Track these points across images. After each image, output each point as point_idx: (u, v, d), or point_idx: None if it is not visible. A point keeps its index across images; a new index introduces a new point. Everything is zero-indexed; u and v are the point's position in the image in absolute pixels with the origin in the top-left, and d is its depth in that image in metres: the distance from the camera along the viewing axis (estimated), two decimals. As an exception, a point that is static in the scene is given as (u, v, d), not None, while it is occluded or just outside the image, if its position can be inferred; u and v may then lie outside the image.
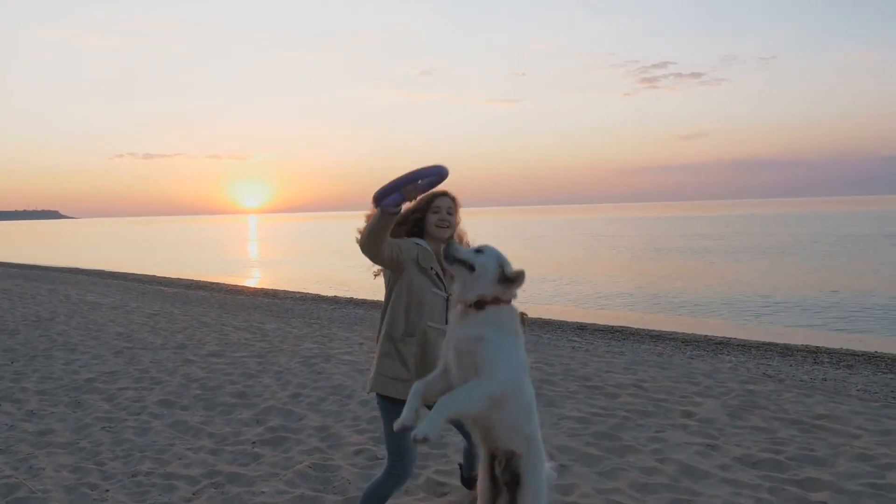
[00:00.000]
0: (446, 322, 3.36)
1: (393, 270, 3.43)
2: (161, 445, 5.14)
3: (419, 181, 3.21)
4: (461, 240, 3.65)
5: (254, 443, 5.17)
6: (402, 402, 3.03)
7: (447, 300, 3.47)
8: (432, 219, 3.51)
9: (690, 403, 6.36)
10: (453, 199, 3.57)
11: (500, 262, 2.96)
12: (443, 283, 3.49)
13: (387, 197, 3.14)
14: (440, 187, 3.43)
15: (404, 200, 3.18)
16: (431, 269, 3.45)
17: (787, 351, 11.77)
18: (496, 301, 2.93)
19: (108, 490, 4.30)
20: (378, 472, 3.52)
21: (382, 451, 4.95)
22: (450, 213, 3.52)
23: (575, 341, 11.86)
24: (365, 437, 5.23)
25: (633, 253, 36.59)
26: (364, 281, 24.68)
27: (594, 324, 15.01)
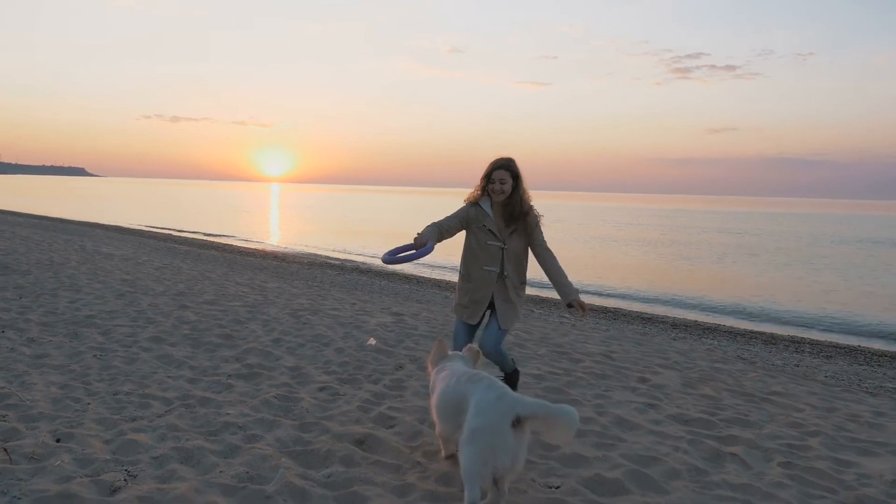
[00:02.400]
0: (502, 266, 4.59)
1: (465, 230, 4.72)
2: (144, 372, 5.57)
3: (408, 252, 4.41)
4: (521, 206, 4.59)
5: (229, 376, 5.59)
6: (462, 322, 4.73)
7: (503, 249, 4.58)
8: (490, 186, 4.58)
9: (650, 373, 6.67)
10: (508, 171, 4.54)
11: None
12: (499, 235, 4.58)
13: (395, 255, 4.41)
14: (498, 159, 4.57)
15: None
16: (484, 225, 4.61)
17: (771, 340, 12.02)
18: None
19: (89, 404, 4.73)
20: (340, 405, 4.64)
21: (344, 389, 5.35)
22: (502, 182, 4.52)
23: (565, 318, 12.17)
24: (332, 378, 5.63)
25: (647, 241, 36.66)
26: (373, 253, 25.06)
27: (588, 304, 15.31)
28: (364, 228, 40.56)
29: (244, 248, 24.95)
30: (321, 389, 5.31)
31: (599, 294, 17.17)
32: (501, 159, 4.59)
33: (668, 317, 14.20)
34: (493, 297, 4.69)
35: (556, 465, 3.99)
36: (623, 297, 17.12)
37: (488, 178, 4.59)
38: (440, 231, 4.58)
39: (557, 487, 3.67)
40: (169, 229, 32.73)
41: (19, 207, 44.26)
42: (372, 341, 6.91)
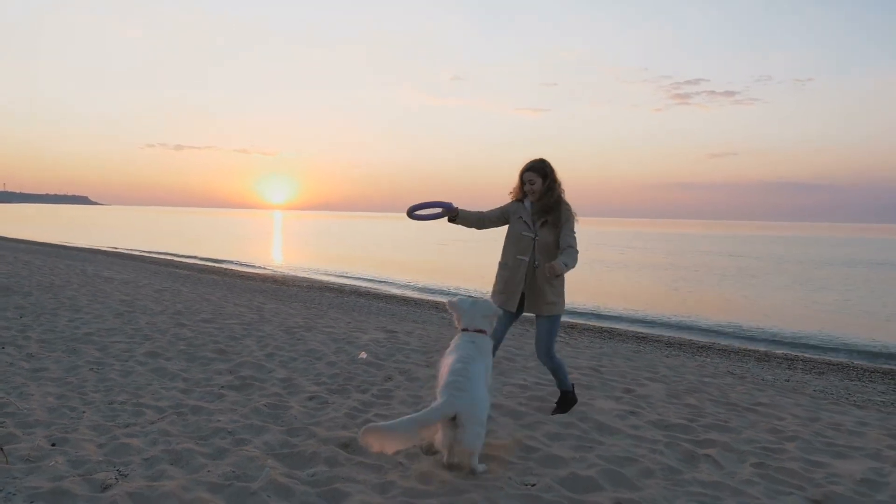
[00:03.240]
0: (532, 256, 4.96)
1: (505, 223, 5.18)
2: (139, 384, 5.72)
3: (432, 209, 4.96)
4: (553, 200, 4.97)
5: (221, 387, 5.73)
6: (500, 308, 4.88)
7: (534, 240, 4.97)
8: (524, 187, 5.04)
9: (636, 385, 6.79)
10: (535, 171, 4.97)
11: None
12: (531, 227, 4.99)
13: (420, 211, 4.93)
14: (528, 162, 5.01)
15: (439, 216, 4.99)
16: (520, 217, 5.05)
17: (765, 357, 12.12)
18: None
19: (84, 412, 4.88)
20: (329, 412, 4.92)
21: (333, 398, 5.49)
22: (531, 183, 4.97)
23: (560, 337, 12.28)
24: (322, 388, 5.77)
25: (647, 265, 36.81)
26: (371, 277, 25.21)
27: (585, 324, 15.43)
28: (365, 254, 40.76)
29: (244, 272, 25.13)
30: (310, 399, 5.45)
31: (597, 316, 17.27)
32: (530, 161, 5.03)
33: (662, 336, 14.30)
34: (524, 286, 5.05)
35: (534, 465, 4.12)
36: (620, 318, 17.21)
37: (521, 179, 5.05)
38: (480, 217, 5.14)
39: (533, 485, 3.79)
40: (171, 255, 32.96)
41: (22, 235, 44.58)
42: (363, 355, 7.06)
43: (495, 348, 4.86)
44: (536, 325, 5.15)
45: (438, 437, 3.96)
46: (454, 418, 3.77)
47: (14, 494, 3.41)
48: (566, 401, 5.37)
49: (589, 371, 7.33)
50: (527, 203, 5.09)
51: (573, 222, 5.03)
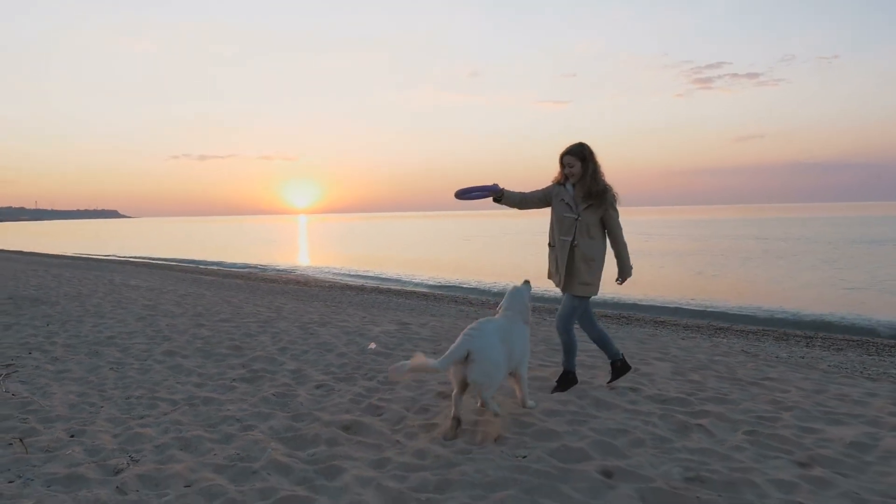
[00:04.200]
0: (574, 237, 5.14)
1: (547, 205, 5.37)
2: (156, 380, 5.96)
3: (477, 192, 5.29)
4: (596, 185, 5.11)
5: (234, 380, 5.95)
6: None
7: (577, 220, 5.13)
8: (563, 171, 5.22)
9: (643, 364, 6.87)
10: (573, 155, 5.12)
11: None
12: (574, 208, 5.14)
13: (467, 195, 5.28)
14: (570, 145, 5.16)
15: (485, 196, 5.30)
16: (563, 200, 5.21)
17: (783, 336, 12.06)
18: None
19: (102, 406, 5.13)
20: (334, 398, 5.22)
21: (339, 385, 5.68)
22: (570, 166, 5.13)
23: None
24: (329, 377, 5.96)
25: (672, 252, 36.56)
26: (395, 272, 25.43)
27: (602, 311, 15.47)
28: (387, 254, 41.03)
29: (268, 276, 25.51)
30: (318, 387, 5.65)
31: (617, 304, 17.25)
32: (570, 145, 5.19)
33: (681, 321, 14.28)
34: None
35: (528, 439, 4.25)
36: (638, 306, 17.18)
37: (561, 163, 5.22)
38: (523, 198, 5.37)
39: (524, 457, 3.93)
40: (197, 262, 33.55)
41: (54, 250, 45.66)
42: (372, 346, 7.24)
43: (590, 324, 5.43)
44: (564, 299, 5.33)
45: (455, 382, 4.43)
46: (467, 357, 4.27)
47: (32, 480, 3.64)
48: (567, 380, 5.50)
49: (595, 352, 7.41)
50: (568, 186, 5.24)
51: (617, 207, 5.21)
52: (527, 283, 5.11)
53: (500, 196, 5.31)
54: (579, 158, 5.11)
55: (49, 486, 3.58)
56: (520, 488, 3.48)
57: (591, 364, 6.62)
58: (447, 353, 4.33)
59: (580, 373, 5.98)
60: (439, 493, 3.48)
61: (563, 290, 5.30)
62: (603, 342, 5.52)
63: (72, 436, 4.42)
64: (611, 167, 5.31)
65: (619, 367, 5.59)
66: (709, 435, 4.35)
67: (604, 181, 5.17)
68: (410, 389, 5.49)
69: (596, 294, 5.31)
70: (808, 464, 3.85)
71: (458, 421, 4.38)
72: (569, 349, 5.43)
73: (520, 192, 5.40)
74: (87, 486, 3.57)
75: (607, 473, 3.68)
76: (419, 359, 4.23)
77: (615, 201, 5.19)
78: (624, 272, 5.25)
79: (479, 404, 4.70)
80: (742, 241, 45.90)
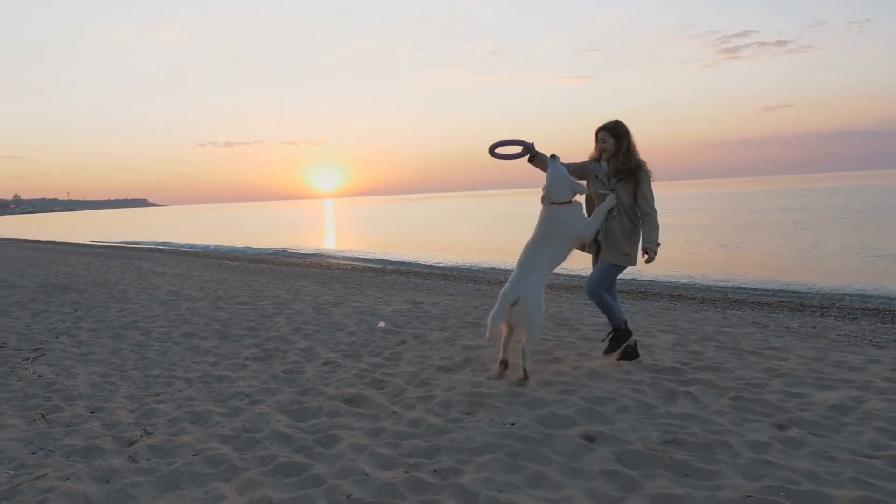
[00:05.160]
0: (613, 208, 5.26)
1: (582, 179, 5.48)
2: (173, 361, 6.27)
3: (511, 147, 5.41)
4: (629, 161, 5.25)
5: (247, 359, 6.23)
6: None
7: (612, 193, 5.27)
8: (597, 146, 5.39)
9: (647, 336, 6.99)
10: (607, 131, 5.27)
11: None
12: (606, 184, 5.31)
13: (500, 146, 5.40)
14: (605, 122, 5.31)
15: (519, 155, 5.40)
16: (596, 176, 5.38)
17: (799, 307, 12.04)
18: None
19: (122, 385, 5.44)
20: (339, 374, 5.48)
21: (346, 362, 5.92)
22: (603, 142, 5.28)
23: (588, 303, 12.46)
24: (337, 354, 6.21)
25: (698, 226, 36.29)
26: (415, 254, 25.67)
27: (619, 288, 15.51)
28: (411, 236, 41.30)
29: (290, 260, 25.93)
30: (325, 364, 5.90)
31: (637, 281, 17.29)
32: (606, 122, 5.32)
33: (697, 294, 14.30)
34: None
35: (519, 408, 4.44)
36: (655, 282, 17.18)
37: (595, 139, 5.36)
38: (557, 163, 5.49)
39: (513, 424, 4.13)
40: (224, 248, 34.15)
41: (85, 239, 46.74)
42: (382, 324, 7.48)
43: (598, 293, 5.43)
44: (597, 266, 5.42)
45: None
46: (517, 302, 4.92)
47: (53, 451, 3.94)
48: (617, 337, 5.60)
49: (602, 327, 7.54)
50: (603, 163, 5.38)
51: (650, 182, 5.29)
52: (554, 157, 5.32)
53: (533, 156, 5.36)
54: (612, 135, 5.24)
55: (68, 457, 3.87)
56: (504, 452, 3.68)
57: (594, 338, 6.77)
58: (498, 303, 4.96)
59: (580, 344, 6.15)
60: (428, 458, 3.70)
61: (601, 259, 5.37)
62: (607, 309, 5.55)
63: (92, 412, 4.72)
64: (637, 141, 5.40)
65: (622, 334, 5.63)
66: (694, 401, 4.50)
67: (637, 158, 5.28)
68: (414, 365, 5.71)
69: (634, 265, 5.41)
70: (785, 426, 3.99)
71: (505, 364, 5.10)
72: (607, 307, 5.49)
73: (557, 159, 5.45)
74: (103, 456, 3.86)
75: (590, 438, 3.87)
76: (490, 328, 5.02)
77: (648, 177, 5.28)
78: (646, 247, 5.26)
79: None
80: (769, 213, 45.35)
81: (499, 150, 5.43)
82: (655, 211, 5.31)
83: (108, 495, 3.37)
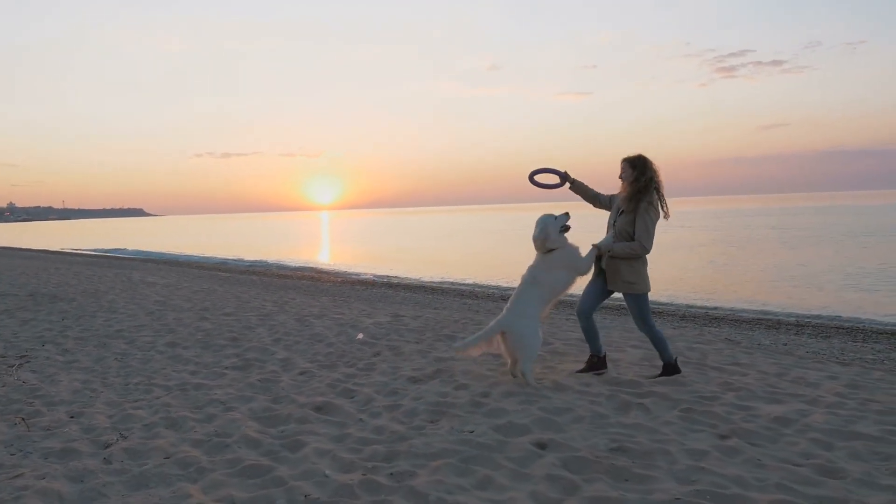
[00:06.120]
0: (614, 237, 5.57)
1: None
2: (154, 369, 6.47)
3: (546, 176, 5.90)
4: (638, 191, 5.45)
5: (226, 368, 6.44)
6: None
7: (614, 225, 5.58)
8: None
9: (617, 351, 7.20)
10: (627, 162, 5.52)
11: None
12: (615, 214, 5.61)
13: (539, 173, 5.87)
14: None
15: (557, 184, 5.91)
16: (615, 205, 5.68)
17: (775, 325, 12.28)
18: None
19: (102, 392, 5.64)
20: (313, 383, 5.71)
21: (322, 372, 6.13)
22: (623, 171, 5.53)
23: (571, 316, 12.68)
24: (314, 365, 6.43)
25: (688, 244, 36.60)
26: (406, 267, 25.83)
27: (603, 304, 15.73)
28: (407, 250, 41.54)
29: (282, 272, 26.12)
30: (301, 373, 6.11)
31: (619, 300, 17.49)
32: (630, 155, 5.57)
33: (679, 311, 14.55)
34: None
35: (480, 417, 4.66)
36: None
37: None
38: (595, 195, 5.92)
39: (471, 432, 4.35)
40: (217, 259, 34.31)
41: (79, 248, 46.83)
42: (360, 336, 7.69)
43: (587, 316, 5.78)
44: (627, 303, 5.74)
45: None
46: (504, 333, 5.41)
47: (31, 453, 4.15)
48: (668, 373, 5.79)
49: (575, 342, 7.77)
50: (617, 194, 5.71)
51: (651, 217, 5.42)
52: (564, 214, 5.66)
53: (571, 182, 5.84)
54: (630, 165, 5.48)
55: (46, 458, 4.08)
56: (458, 458, 3.90)
57: (564, 352, 6.99)
58: (487, 328, 5.61)
59: (549, 358, 6.37)
60: (386, 462, 3.91)
61: (610, 285, 5.65)
62: (657, 343, 5.80)
63: (71, 417, 4.92)
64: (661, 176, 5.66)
65: (671, 370, 5.79)
66: (646, 412, 4.73)
67: (651, 194, 5.42)
68: (385, 375, 5.93)
69: (646, 291, 5.62)
70: (727, 436, 4.22)
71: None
72: (656, 344, 5.77)
73: (593, 189, 5.93)
74: (79, 457, 4.07)
75: (541, 445, 4.09)
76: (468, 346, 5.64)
77: (650, 214, 5.40)
78: (606, 245, 5.50)
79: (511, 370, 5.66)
80: (760, 230, 45.75)
81: (538, 178, 5.89)
82: (645, 247, 5.44)
83: (81, 493, 3.57)
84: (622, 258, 5.50)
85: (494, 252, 35.67)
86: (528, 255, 5.88)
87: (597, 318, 6.49)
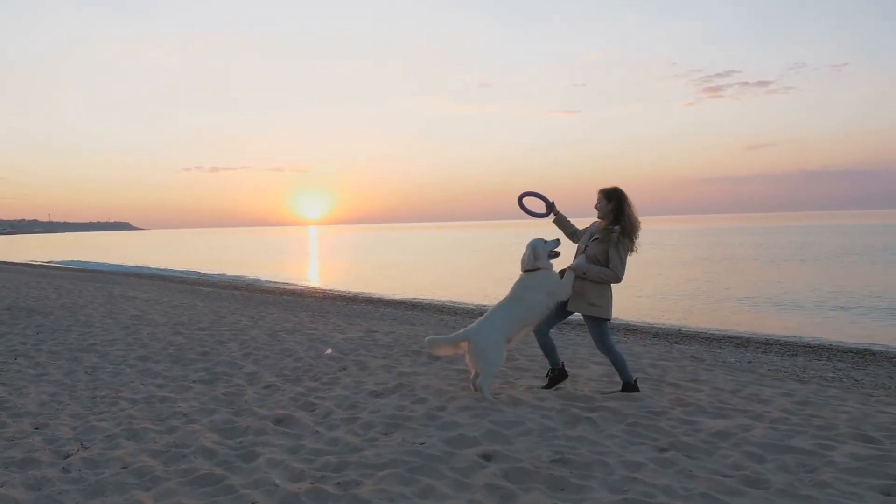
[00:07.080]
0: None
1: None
2: (123, 382, 6.59)
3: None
4: (610, 222, 5.67)
5: (193, 381, 6.57)
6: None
7: (584, 251, 5.75)
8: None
9: (577, 367, 7.37)
10: (602, 193, 5.73)
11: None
12: (587, 240, 5.77)
13: (526, 196, 6.13)
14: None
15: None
16: (587, 231, 5.89)
17: (744, 343, 12.50)
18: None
19: (69, 404, 5.76)
20: (276, 396, 5.85)
21: (286, 386, 6.27)
22: (598, 201, 5.74)
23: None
24: (280, 379, 6.57)
25: (670, 262, 36.96)
26: (390, 286, 25.96)
27: (571, 320, 15.93)
28: (391, 265, 41.65)
29: (264, 287, 26.16)
30: (266, 387, 6.25)
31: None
32: (605, 187, 5.78)
33: (650, 329, 14.73)
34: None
35: (433, 430, 4.82)
36: (617, 317, 17.62)
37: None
38: (574, 231, 6.10)
39: (423, 443, 4.50)
40: (200, 274, 34.27)
41: (63, 261, 46.61)
42: (329, 351, 7.84)
43: (544, 333, 5.93)
44: (587, 327, 5.95)
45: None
46: (470, 342, 5.62)
47: (-8, 462, 4.26)
48: (626, 391, 5.94)
49: (539, 358, 7.94)
50: (597, 224, 5.85)
51: (623, 249, 5.62)
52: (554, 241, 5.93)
53: (556, 215, 6.10)
54: (606, 197, 5.69)
55: (6, 467, 4.20)
56: (405, 468, 4.06)
57: (526, 367, 7.16)
58: (455, 334, 5.91)
59: (510, 373, 6.53)
60: (336, 472, 4.06)
61: (570, 306, 5.80)
62: (616, 365, 5.97)
63: (36, 428, 5.04)
64: (622, 176, 5.92)
65: (631, 391, 5.96)
66: (593, 426, 4.90)
67: (624, 224, 5.59)
68: (348, 389, 6.08)
69: (607, 317, 5.79)
70: (666, 448, 4.40)
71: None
72: (616, 365, 5.95)
73: (572, 224, 6.11)
74: (38, 467, 4.19)
75: (486, 456, 4.25)
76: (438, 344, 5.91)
77: (622, 244, 5.59)
78: (580, 267, 5.67)
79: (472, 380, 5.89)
80: (742, 248, 46.24)
81: (525, 202, 6.14)
82: (618, 276, 5.64)
83: (37, 500, 3.71)
84: (592, 281, 5.69)
85: (476, 269, 35.87)
86: (510, 271, 6.13)
87: (566, 335, 6.69)
